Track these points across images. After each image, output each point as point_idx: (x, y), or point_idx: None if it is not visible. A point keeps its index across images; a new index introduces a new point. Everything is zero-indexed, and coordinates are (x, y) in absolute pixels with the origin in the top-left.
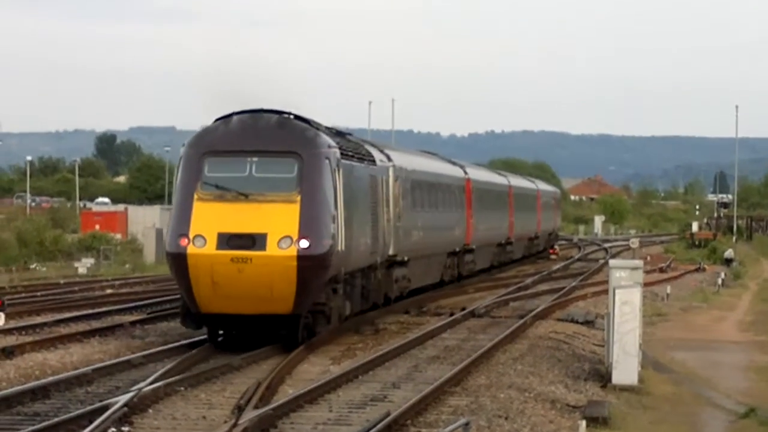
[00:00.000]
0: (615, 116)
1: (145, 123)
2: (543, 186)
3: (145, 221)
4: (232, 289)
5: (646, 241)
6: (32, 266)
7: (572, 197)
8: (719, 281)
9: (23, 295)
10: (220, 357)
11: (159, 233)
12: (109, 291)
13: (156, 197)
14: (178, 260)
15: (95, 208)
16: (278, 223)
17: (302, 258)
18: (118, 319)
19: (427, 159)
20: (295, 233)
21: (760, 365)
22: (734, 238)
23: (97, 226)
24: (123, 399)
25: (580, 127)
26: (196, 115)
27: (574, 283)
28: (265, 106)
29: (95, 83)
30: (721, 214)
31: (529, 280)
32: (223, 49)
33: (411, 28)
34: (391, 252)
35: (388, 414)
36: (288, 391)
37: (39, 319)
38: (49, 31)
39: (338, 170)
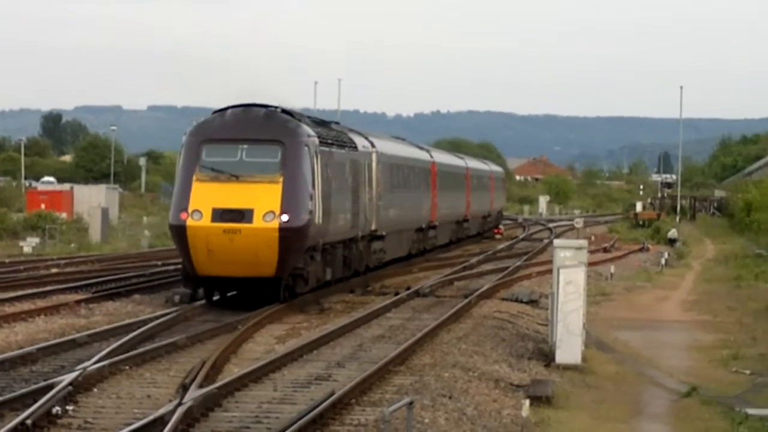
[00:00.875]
0: (560, 97)
1: (91, 102)
2: (494, 167)
3: (91, 200)
4: (224, 255)
5: (591, 221)
6: None
7: (517, 177)
8: (663, 261)
9: None
10: (165, 335)
11: (104, 213)
12: (54, 270)
13: (102, 176)
14: (179, 231)
15: (41, 187)
16: (263, 200)
17: (283, 230)
18: (63, 298)
19: (401, 144)
20: (277, 209)
21: (703, 344)
22: (678, 218)
23: (43, 206)
24: (68, 378)
25: (526, 108)
26: (142, 95)
27: (518, 263)
28: (252, 100)
29: (40, 62)
30: (665, 195)
31: (474, 260)
32: (168, 27)
33: (357, 9)
34: (372, 227)
35: (332, 393)
36: (233, 370)
37: None
38: None
39: (317, 156)
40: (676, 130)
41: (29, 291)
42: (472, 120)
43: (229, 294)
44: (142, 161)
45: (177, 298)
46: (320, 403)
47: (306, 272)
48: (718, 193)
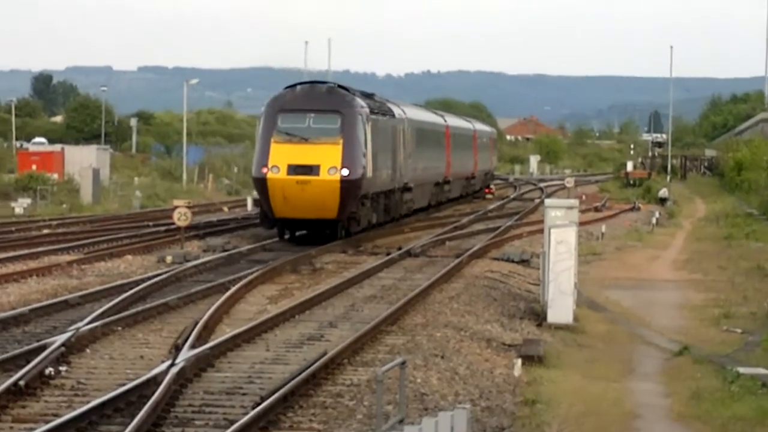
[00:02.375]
0: (551, 56)
1: (81, 63)
2: (488, 128)
3: (82, 161)
4: (297, 201)
5: (582, 180)
6: None
7: (508, 137)
8: (654, 220)
9: None
10: (157, 296)
11: (96, 173)
12: (46, 231)
13: (92, 137)
14: (261, 182)
15: (32, 148)
16: (327, 158)
17: (343, 181)
18: (55, 259)
19: (423, 111)
20: (338, 165)
21: (694, 303)
22: (668, 178)
23: (34, 167)
24: (60, 339)
25: (516, 68)
26: (132, 56)
27: (509, 223)
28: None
29: (30, 23)
30: (656, 154)
31: (465, 220)
32: None
33: None
34: (405, 181)
35: (325, 353)
36: (225, 331)
37: None
38: None
39: (367, 123)
40: (667, 89)
41: (21, 252)
42: (463, 80)
43: (297, 233)
44: (133, 122)
45: (169, 258)
46: (313, 363)
47: (359, 216)
48: (709, 153)
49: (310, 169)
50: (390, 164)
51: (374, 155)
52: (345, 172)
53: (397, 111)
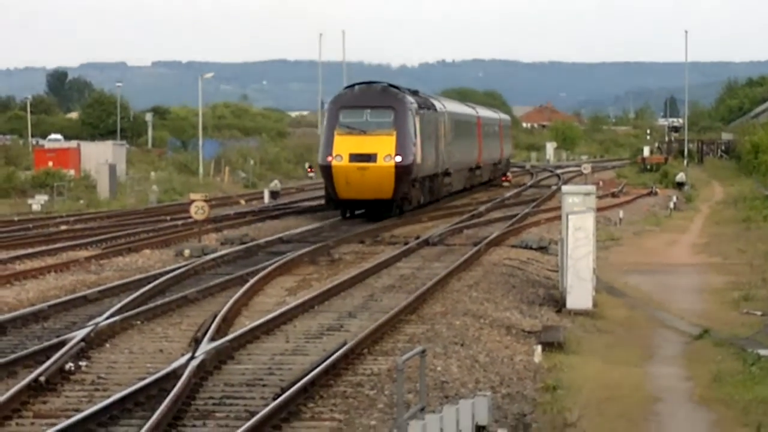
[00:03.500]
0: (565, 43)
1: (95, 59)
2: (503, 116)
3: (98, 157)
4: (358, 185)
5: (598, 166)
6: None
7: (524, 125)
8: (671, 205)
9: None
10: (176, 289)
11: (112, 169)
12: (63, 227)
13: (108, 133)
14: (327, 169)
15: (48, 144)
16: (383, 147)
17: (397, 167)
18: (73, 254)
19: (458, 104)
20: (393, 153)
21: (714, 287)
22: (685, 162)
23: (50, 163)
24: (80, 334)
25: (531, 55)
26: (147, 51)
27: (527, 210)
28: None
29: (44, 19)
30: (672, 138)
31: (482, 208)
32: None
33: None
34: (445, 167)
35: (344, 343)
36: (245, 323)
37: None
38: None
39: (415, 116)
40: (682, 74)
41: (39, 248)
42: (478, 68)
43: (357, 212)
44: (149, 117)
45: (187, 252)
46: (333, 353)
47: (410, 196)
48: (726, 136)
49: (369, 157)
50: (433, 152)
51: (421, 144)
52: (398, 158)
53: (438, 105)
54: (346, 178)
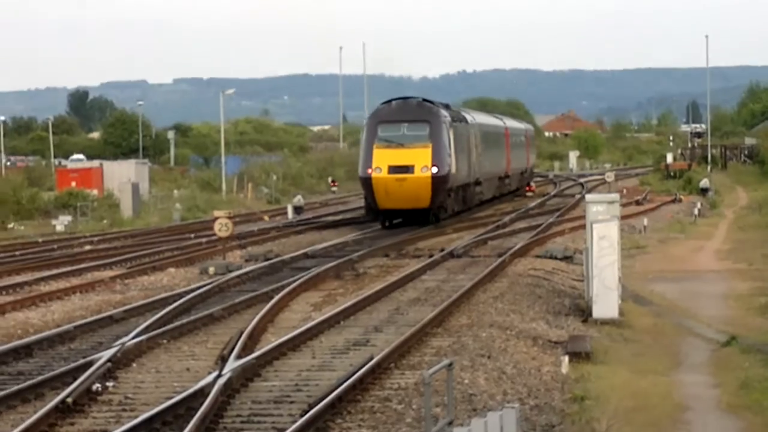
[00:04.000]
0: (586, 51)
1: (116, 78)
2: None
3: (121, 176)
4: (396, 195)
5: (622, 174)
6: (10, 226)
7: (546, 134)
8: (696, 211)
9: (2, 255)
10: (201, 307)
11: (135, 188)
12: (87, 247)
13: (130, 152)
14: (367, 181)
15: (70, 165)
16: (420, 159)
17: (434, 177)
18: (98, 275)
19: (489, 116)
20: (429, 164)
21: (740, 293)
22: (709, 168)
23: (73, 183)
24: (106, 354)
25: (552, 64)
26: (167, 68)
27: (551, 220)
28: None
29: (64, 40)
30: (695, 144)
31: (506, 218)
32: None
33: None
34: (477, 176)
35: (371, 358)
36: (270, 340)
37: (19, 278)
38: None
39: (450, 129)
40: (704, 79)
41: (64, 269)
42: (499, 78)
43: (395, 221)
44: (171, 135)
45: (211, 269)
46: (359, 368)
47: (446, 205)
48: (749, 141)
49: (407, 169)
50: (466, 162)
51: (455, 155)
52: (434, 169)
53: (469, 117)
54: (386, 189)
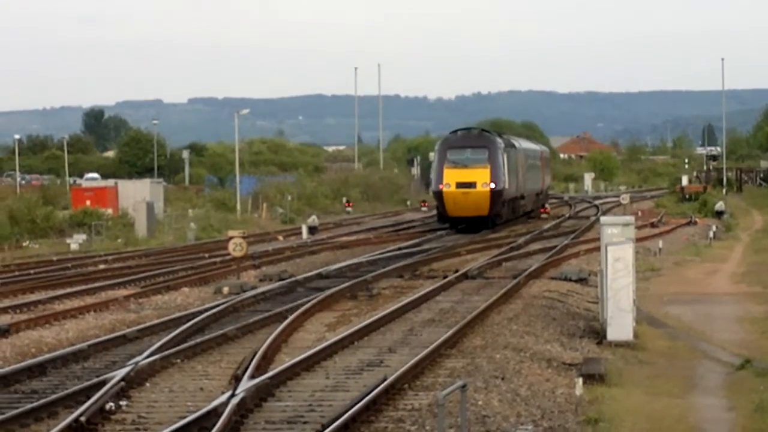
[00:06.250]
0: (602, 73)
1: (131, 97)
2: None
3: (136, 195)
4: (462, 205)
5: (637, 196)
6: (25, 244)
7: (561, 156)
8: (711, 234)
9: (17, 273)
10: (215, 327)
11: (150, 207)
12: (102, 266)
13: (145, 171)
14: (439, 194)
15: (85, 183)
16: (481, 177)
17: (492, 191)
18: (112, 293)
19: (530, 142)
20: (488, 181)
21: (755, 316)
22: (724, 191)
23: (88, 202)
24: (120, 373)
25: (567, 86)
26: (183, 88)
27: (566, 242)
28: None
29: (79, 59)
30: (711, 167)
31: (521, 240)
32: (201, 18)
33: None
34: (522, 192)
35: (385, 379)
36: (284, 360)
37: (33, 297)
38: (26, 6)
39: (504, 154)
40: (719, 101)
41: (78, 288)
42: (514, 100)
43: (459, 227)
44: (186, 154)
45: (225, 289)
46: (373, 389)
47: (501, 213)
48: (764, 164)
49: (470, 185)
50: (515, 181)
51: (507, 174)
52: (492, 185)
53: (516, 143)
54: (454, 200)
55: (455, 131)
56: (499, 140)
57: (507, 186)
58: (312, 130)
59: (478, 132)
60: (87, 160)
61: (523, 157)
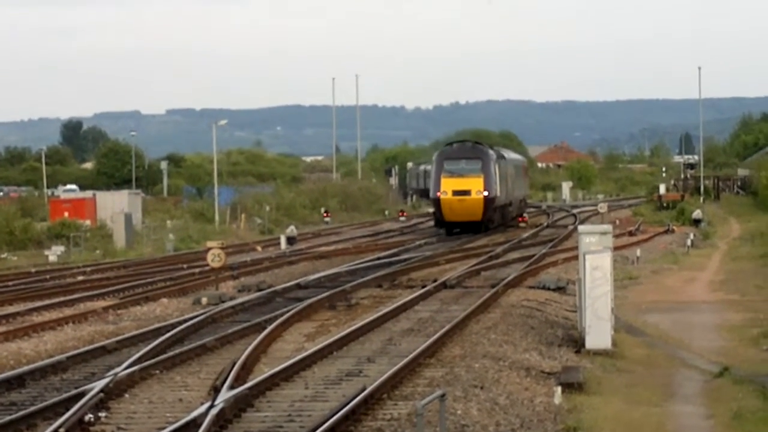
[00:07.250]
0: (578, 83)
1: (109, 109)
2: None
3: (114, 207)
4: (458, 211)
5: (615, 205)
6: (3, 256)
7: (539, 165)
8: (688, 242)
9: None
10: (194, 338)
11: (128, 218)
12: (80, 278)
13: (123, 182)
14: (437, 201)
15: (63, 195)
16: (475, 185)
17: (485, 198)
18: (90, 305)
19: (516, 154)
20: (481, 189)
21: (733, 324)
22: (702, 199)
23: (66, 214)
24: (99, 385)
25: (544, 95)
26: (160, 99)
27: (544, 251)
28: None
29: (57, 71)
30: (688, 176)
31: (499, 249)
32: (180, 27)
33: (371, 4)
34: (510, 199)
35: (364, 388)
36: (263, 370)
37: (11, 309)
38: (2, 18)
39: (495, 164)
40: (696, 110)
41: (57, 300)
42: (492, 109)
43: (455, 231)
44: (164, 165)
45: (204, 300)
46: (352, 399)
47: (493, 219)
48: (742, 172)
49: (465, 192)
50: (504, 188)
51: (498, 183)
52: (485, 193)
53: (506, 155)
54: (450, 206)
55: (450, 143)
56: (491, 152)
57: (498, 193)
58: (290, 140)
59: (472, 144)
60: (65, 172)
61: (512, 167)
